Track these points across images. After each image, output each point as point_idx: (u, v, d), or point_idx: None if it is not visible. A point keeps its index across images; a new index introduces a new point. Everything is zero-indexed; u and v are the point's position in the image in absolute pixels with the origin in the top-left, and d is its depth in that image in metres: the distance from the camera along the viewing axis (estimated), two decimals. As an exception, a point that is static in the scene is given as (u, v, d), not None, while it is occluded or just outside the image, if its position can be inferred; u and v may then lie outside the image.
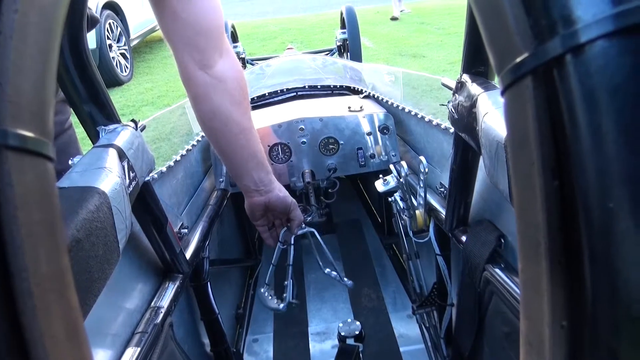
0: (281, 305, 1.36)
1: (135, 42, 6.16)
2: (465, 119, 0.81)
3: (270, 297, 1.38)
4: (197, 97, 0.98)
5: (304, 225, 1.46)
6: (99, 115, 0.82)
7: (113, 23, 5.32)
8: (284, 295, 1.37)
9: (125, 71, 5.48)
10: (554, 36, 0.16)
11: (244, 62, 3.61)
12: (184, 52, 0.93)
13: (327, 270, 1.40)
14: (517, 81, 0.18)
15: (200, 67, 0.93)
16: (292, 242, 1.41)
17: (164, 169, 1.19)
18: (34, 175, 0.17)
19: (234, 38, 3.76)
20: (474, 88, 0.78)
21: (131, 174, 0.79)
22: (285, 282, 1.39)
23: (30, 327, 0.16)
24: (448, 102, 0.92)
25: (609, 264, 0.16)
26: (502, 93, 0.20)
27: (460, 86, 0.84)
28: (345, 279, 1.40)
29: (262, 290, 1.40)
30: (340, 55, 3.82)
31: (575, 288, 0.17)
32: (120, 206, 0.69)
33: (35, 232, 0.17)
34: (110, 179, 0.69)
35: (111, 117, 0.84)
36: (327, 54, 3.98)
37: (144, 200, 0.90)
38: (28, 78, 0.17)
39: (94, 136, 0.84)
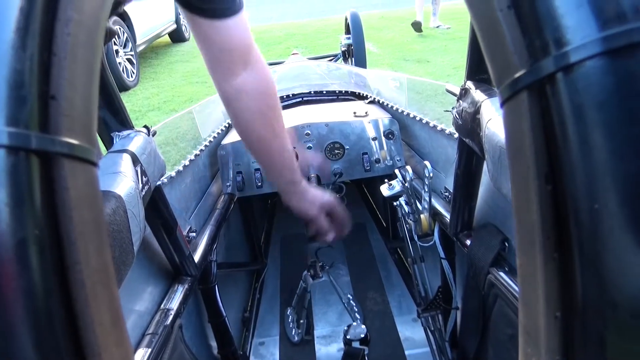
0: (295, 339, 1.65)
1: (141, 48, 6.22)
2: (469, 124, 0.82)
3: (291, 324, 1.69)
4: (224, 104, 1.03)
5: (321, 275, 1.65)
6: (113, 121, 0.85)
7: (120, 29, 5.38)
8: (301, 321, 1.66)
9: (132, 76, 5.54)
10: (547, 56, 0.18)
11: (249, 67, 3.62)
12: (210, 65, 0.97)
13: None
14: (514, 95, 0.20)
15: (223, 79, 0.97)
16: (309, 288, 1.63)
17: (173, 173, 1.21)
18: (84, 179, 0.19)
19: (240, 44, 3.79)
20: (477, 94, 0.80)
21: (144, 179, 0.81)
22: (302, 320, 1.67)
23: (82, 315, 0.18)
24: (452, 108, 0.94)
25: (596, 258, 0.18)
26: (502, 105, 0.22)
27: (464, 92, 0.86)
28: (358, 316, 1.66)
29: (287, 312, 1.71)
30: (345, 60, 3.85)
31: (567, 281, 0.19)
32: (135, 210, 0.71)
33: (86, 230, 0.19)
34: (125, 183, 0.71)
35: (125, 123, 0.86)
36: (331, 60, 4.01)
37: (155, 204, 0.92)
38: (78, 93, 0.19)
39: (108, 142, 0.86)
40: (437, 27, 6.67)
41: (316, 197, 1.19)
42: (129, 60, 5.54)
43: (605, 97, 0.17)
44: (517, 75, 0.20)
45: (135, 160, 0.80)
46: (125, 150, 0.79)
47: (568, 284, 0.19)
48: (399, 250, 2.03)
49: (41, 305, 0.17)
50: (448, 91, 1.01)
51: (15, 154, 0.17)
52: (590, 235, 0.18)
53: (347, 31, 3.72)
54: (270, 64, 3.72)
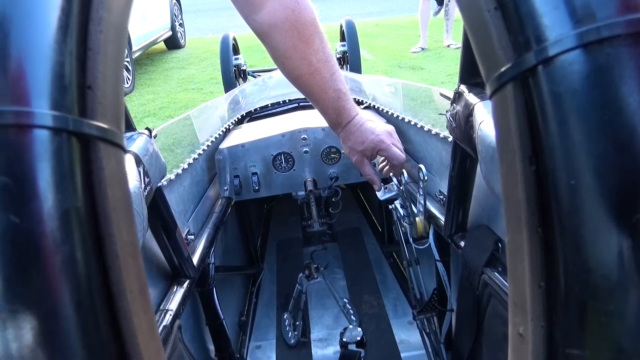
0: (292, 341, 1.67)
1: (137, 54, 6.25)
2: (463, 127, 0.85)
3: (288, 327, 1.70)
4: (261, 41, 0.94)
5: (316, 276, 1.67)
6: None
7: (116, 36, 5.40)
8: (297, 323, 1.69)
9: (127, 83, 5.56)
10: (528, 50, 0.21)
11: (245, 74, 3.67)
12: (235, 3, 0.88)
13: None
14: (501, 87, 0.23)
15: (251, 14, 0.88)
16: (305, 290, 1.66)
17: (172, 176, 1.23)
18: (115, 161, 0.22)
19: (235, 50, 3.83)
20: (470, 98, 0.83)
21: (146, 179, 0.83)
22: (298, 323, 1.69)
23: (117, 282, 0.20)
24: (447, 111, 0.96)
25: (573, 230, 0.20)
26: (490, 97, 0.24)
27: (457, 96, 0.89)
28: (353, 319, 1.68)
29: (284, 316, 1.73)
30: (340, 67, 3.88)
31: (549, 253, 0.21)
32: (139, 209, 0.73)
33: (118, 207, 0.21)
34: (129, 182, 0.73)
35: (128, 124, 0.88)
36: (327, 66, 4.02)
37: (156, 205, 0.94)
38: (109, 84, 0.22)
39: None
40: (449, 46, 6.24)
41: (356, 143, 1.07)
42: (125, 67, 5.56)
43: (579, 86, 0.20)
44: (503, 69, 0.22)
45: (138, 161, 0.82)
46: (128, 151, 0.81)
47: (550, 256, 0.21)
48: (394, 254, 2.05)
49: (81, 271, 0.19)
50: (442, 95, 1.04)
51: (58, 135, 0.19)
52: (568, 208, 0.20)
53: (342, 38, 3.76)
54: (266, 70, 3.76)
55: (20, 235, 0.17)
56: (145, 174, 0.84)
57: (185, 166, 1.35)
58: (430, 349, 1.52)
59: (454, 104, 0.91)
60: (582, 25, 0.20)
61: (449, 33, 6.25)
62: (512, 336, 0.25)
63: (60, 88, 0.19)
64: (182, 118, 1.78)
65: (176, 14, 7.62)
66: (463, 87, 0.87)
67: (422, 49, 6.22)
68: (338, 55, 3.84)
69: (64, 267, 0.18)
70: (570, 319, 0.21)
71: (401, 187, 1.31)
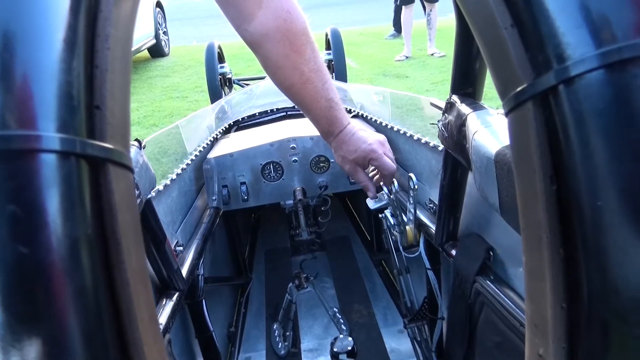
0: (282, 352, 1.66)
1: (120, 63, 6.18)
2: (456, 137, 0.85)
3: (277, 338, 1.68)
4: (252, 51, 0.93)
5: (306, 285, 1.66)
6: None
7: (99, 44, 5.35)
8: (287, 333, 1.68)
9: (111, 91, 5.49)
10: (549, 70, 0.21)
11: (230, 82, 3.66)
12: (225, 10, 0.87)
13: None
14: (519, 105, 0.22)
15: (241, 24, 0.88)
16: (295, 300, 1.66)
17: (160, 187, 1.21)
18: (125, 183, 0.21)
19: (221, 59, 3.82)
20: (463, 108, 0.83)
21: (136, 191, 0.81)
22: (288, 333, 1.68)
23: (127, 311, 0.19)
24: (438, 121, 0.97)
25: (599, 251, 0.20)
26: (507, 114, 0.24)
27: (449, 106, 0.90)
28: (344, 328, 1.67)
29: (274, 327, 1.71)
30: (326, 75, 3.89)
31: (572, 274, 0.21)
32: (129, 222, 0.71)
33: (128, 232, 0.20)
34: None
35: None
36: (312, 75, 4.04)
37: (145, 217, 0.92)
38: (117, 103, 0.21)
39: None
40: (432, 54, 6.27)
41: (349, 152, 1.07)
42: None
43: (603, 106, 0.20)
44: (521, 87, 0.22)
45: None
46: None
47: (573, 277, 0.21)
48: (383, 262, 2.05)
49: (91, 302, 0.18)
50: (432, 105, 1.04)
51: (66, 159, 0.18)
52: (594, 230, 0.20)
53: (328, 47, 3.78)
54: (252, 79, 3.75)
55: (30, 267, 0.16)
56: (135, 186, 0.82)
57: (174, 176, 1.33)
58: (421, 358, 1.52)
59: (446, 114, 0.91)
60: (605, 45, 0.19)
61: (432, 42, 6.31)
62: (530, 356, 0.24)
63: (68, 109, 0.19)
64: (171, 128, 1.76)
65: (160, 22, 7.57)
66: (455, 97, 0.88)
67: (407, 57, 6.29)
68: (324, 64, 3.86)
69: (74, 298, 0.17)
70: (593, 340, 0.20)
71: (392, 196, 1.31)
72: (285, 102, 2.01)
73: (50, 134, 0.18)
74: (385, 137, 1.14)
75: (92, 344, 0.17)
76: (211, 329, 1.30)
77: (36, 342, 0.16)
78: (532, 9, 0.21)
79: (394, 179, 1.34)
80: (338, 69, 3.64)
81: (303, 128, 1.68)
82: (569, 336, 0.21)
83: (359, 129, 1.08)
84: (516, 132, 0.23)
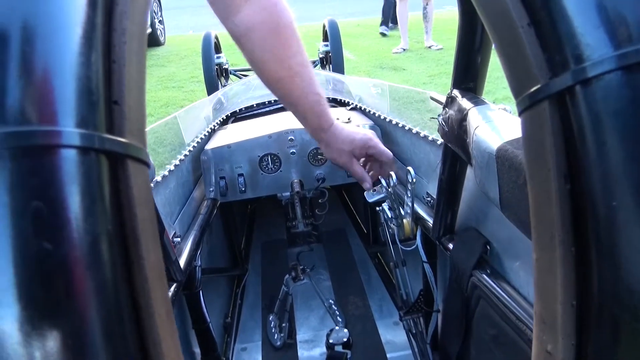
0: (278, 343, 1.66)
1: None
2: (456, 131, 0.85)
3: (273, 329, 1.69)
4: (238, 45, 0.92)
5: (302, 277, 1.69)
6: None
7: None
8: (282, 324, 1.68)
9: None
10: (566, 70, 0.21)
11: (227, 72, 3.63)
12: (212, 4, 0.87)
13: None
14: (535, 104, 0.22)
15: (227, 17, 0.87)
16: (291, 292, 1.65)
17: (158, 178, 1.21)
18: (142, 179, 0.21)
19: (217, 49, 3.79)
20: (464, 103, 0.83)
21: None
22: (284, 324, 1.68)
23: (146, 307, 0.19)
24: (438, 115, 0.97)
25: (613, 250, 0.20)
26: (520, 113, 0.24)
27: (450, 101, 0.90)
28: (339, 320, 1.69)
29: (270, 318, 1.72)
30: (323, 67, 3.89)
31: (583, 272, 0.21)
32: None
33: (146, 227, 0.20)
34: None
35: None
36: (310, 66, 4.02)
37: None
38: (134, 98, 0.21)
39: None
40: (429, 47, 6.25)
41: (344, 143, 1.06)
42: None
43: (620, 107, 0.20)
44: (536, 87, 0.22)
45: None
46: None
47: (584, 274, 0.21)
48: (379, 254, 2.06)
49: (112, 297, 0.18)
50: (432, 99, 1.04)
51: (86, 154, 0.18)
52: (608, 229, 0.20)
53: (325, 38, 3.76)
54: (249, 70, 3.72)
55: (53, 262, 0.16)
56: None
57: (172, 168, 1.32)
58: (416, 350, 1.53)
59: (447, 108, 0.91)
60: (624, 47, 0.19)
61: (429, 34, 6.29)
62: (538, 353, 0.25)
63: (88, 104, 0.18)
64: (169, 119, 1.75)
65: (155, 11, 7.50)
66: (456, 92, 0.88)
67: (404, 49, 6.28)
68: (321, 55, 3.84)
69: (95, 293, 0.17)
70: (604, 337, 0.21)
71: (389, 189, 1.32)
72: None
73: (70, 129, 0.18)
74: (373, 132, 1.15)
75: (112, 339, 0.18)
76: (208, 320, 1.31)
77: (58, 336, 0.16)
78: (549, 8, 0.21)
79: (391, 172, 1.34)
80: (335, 60, 3.62)
81: None
82: (579, 333, 0.21)
83: (346, 123, 1.09)
84: (530, 131, 0.23)
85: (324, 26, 3.73)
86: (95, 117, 0.19)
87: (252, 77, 2.56)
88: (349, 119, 1.64)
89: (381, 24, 7.51)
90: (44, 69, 0.18)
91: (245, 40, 0.89)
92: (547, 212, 0.22)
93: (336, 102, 2.00)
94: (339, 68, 3.61)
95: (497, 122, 0.76)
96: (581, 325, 0.21)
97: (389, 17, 7.38)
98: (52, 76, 0.18)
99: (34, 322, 0.16)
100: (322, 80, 2.53)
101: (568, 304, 0.22)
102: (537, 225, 0.24)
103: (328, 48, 3.73)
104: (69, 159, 0.18)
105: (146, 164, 0.21)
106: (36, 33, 0.18)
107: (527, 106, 0.23)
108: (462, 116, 0.82)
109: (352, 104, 1.85)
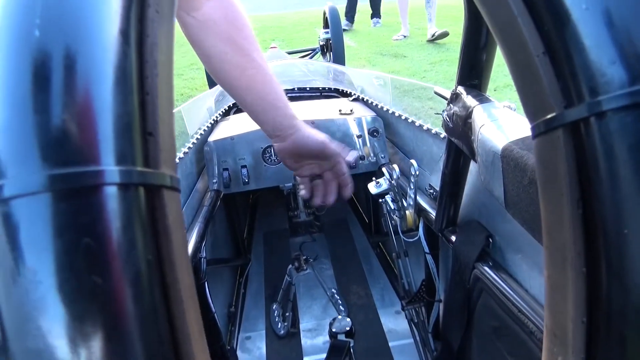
0: (281, 332, 1.70)
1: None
2: (461, 127, 0.86)
3: (277, 318, 1.72)
4: (192, 42, 0.92)
5: (305, 267, 1.70)
6: None
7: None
8: (286, 314, 1.71)
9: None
10: (581, 102, 0.22)
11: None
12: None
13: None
14: (549, 131, 0.23)
15: (188, 12, 0.87)
16: (294, 282, 1.71)
17: (163, 171, 1.22)
18: (175, 206, 0.22)
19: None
20: (469, 100, 0.84)
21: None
22: (287, 314, 1.71)
23: (182, 328, 0.20)
24: (443, 111, 0.97)
25: (622, 273, 0.21)
26: (534, 137, 0.25)
27: (455, 97, 0.90)
28: (342, 309, 1.72)
29: (273, 307, 1.75)
30: (324, 54, 3.87)
31: (594, 291, 0.22)
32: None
33: (180, 252, 0.21)
34: None
35: None
36: (309, 54, 4.01)
37: None
38: (166, 127, 0.22)
39: None
40: (433, 35, 5.87)
41: (295, 149, 0.99)
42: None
43: (633, 140, 0.21)
44: (551, 115, 0.23)
45: None
46: None
47: (595, 294, 0.22)
48: (380, 244, 2.08)
49: (153, 324, 0.19)
50: (437, 94, 1.05)
51: (127, 190, 0.19)
52: (619, 254, 0.21)
53: (325, 25, 3.74)
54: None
55: (103, 296, 0.18)
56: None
57: (176, 160, 1.33)
58: (418, 339, 1.56)
59: (451, 104, 0.92)
60: (637, 83, 0.20)
61: (432, 22, 5.93)
62: (549, 364, 0.26)
63: (125, 139, 0.19)
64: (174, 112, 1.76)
65: (154, -4, 7.42)
66: (461, 89, 0.88)
67: (404, 36, 6.20)
68: (321, 43, 3.82)
69: (139, 323, 0.18)
70: (612, 352, 0.22)
71: (392, 182, 1.33)
72: (284, 84, 2.01)
73: (111, 167, 0.18)
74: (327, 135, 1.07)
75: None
76: (213, 310, 1.33)
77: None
78: (565, 38, 0.22)
79: (394, 165, 1.35)
80: (336, 48, 3.60)
81: (304, 111, 1.68)
82: (588, 349, 0.23)
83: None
84: (544, 156, 0.24)
85: (324, 13, 3.70)
86: (133, 151, 0.20)
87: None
88: (351, 110, 1.65)
89: (346, 15, 6.81)
90: (84, 107, 0.18)
91: (207, 34, 0.88)
92: (559, 234, 0.23)
93: (338, 93, 2.00)
94: (339, 55, 3.59)
95: (502, 121, 0.77)
96: (591, 341, 0.23)
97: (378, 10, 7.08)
98: (92, 114, 0.18)
99: (83, 347, 0.17)
100: (323, 70, 2.53)
101: (579, 320, 0.23)
102: (549, 245, 0.25)
103: (329, 35, 3.70)
104: (111, 196, 0.18)
105: (178, 190, 0.22)
106: (74, 70, 0.18)
107: (541, 132, 0.24)
108: (467, 113, 0.83)
109: (355, 94, 1.85)
